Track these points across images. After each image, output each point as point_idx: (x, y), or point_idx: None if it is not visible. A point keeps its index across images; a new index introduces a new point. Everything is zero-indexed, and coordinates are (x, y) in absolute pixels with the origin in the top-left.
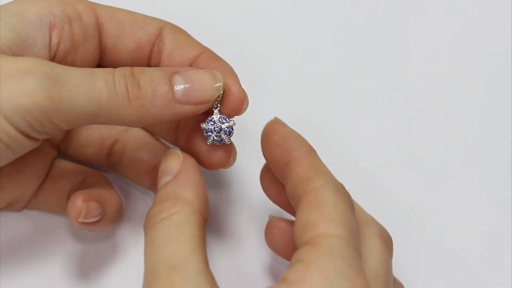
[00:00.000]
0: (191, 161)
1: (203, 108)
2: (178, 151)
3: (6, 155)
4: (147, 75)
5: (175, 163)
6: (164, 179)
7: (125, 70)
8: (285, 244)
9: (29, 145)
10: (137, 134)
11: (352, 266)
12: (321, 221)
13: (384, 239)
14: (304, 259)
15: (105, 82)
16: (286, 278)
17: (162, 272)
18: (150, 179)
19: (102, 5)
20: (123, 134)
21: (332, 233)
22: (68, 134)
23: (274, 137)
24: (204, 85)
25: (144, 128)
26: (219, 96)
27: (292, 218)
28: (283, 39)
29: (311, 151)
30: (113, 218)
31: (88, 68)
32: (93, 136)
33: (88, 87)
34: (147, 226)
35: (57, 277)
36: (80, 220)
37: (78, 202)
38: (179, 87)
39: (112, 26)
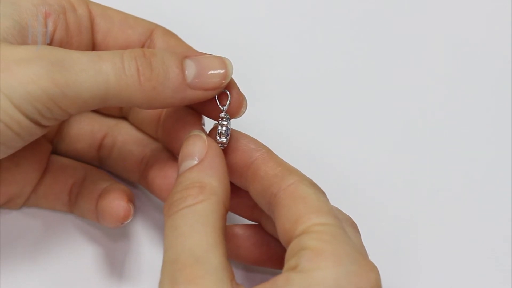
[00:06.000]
0: (215, 146)
1: (212, 94)
2: (202, 133)
3: (16, 143)
4: (158, 57)
5: (200, 146)
6: (187, 163)
7: (136, 51)
8: (249, 248)
9: (38, 132)
10: (126, 128)
11: (357, 251)
12: (312, 213)
13: (353, 225)
14: (310, 247)
15: (112, 64)
16: (298, 266)
17: (186, 263)
18: (139, 171)
19: (94, 2)
20: (113, 128)
21: (327, 222)
22: (59, 129)
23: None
24: (215, 70)
25: (130, 122)
26: (227, 100)
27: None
28: (280, 42)
29: (270, 151)
30: None
31: (94, 52)
32: (84, 130)
33: (94, 71)
34: (170, 211)
35: (61, 274)
36: (128, 221)
37: (123, 204)
38: (190, 71)
39: (102, 21)
